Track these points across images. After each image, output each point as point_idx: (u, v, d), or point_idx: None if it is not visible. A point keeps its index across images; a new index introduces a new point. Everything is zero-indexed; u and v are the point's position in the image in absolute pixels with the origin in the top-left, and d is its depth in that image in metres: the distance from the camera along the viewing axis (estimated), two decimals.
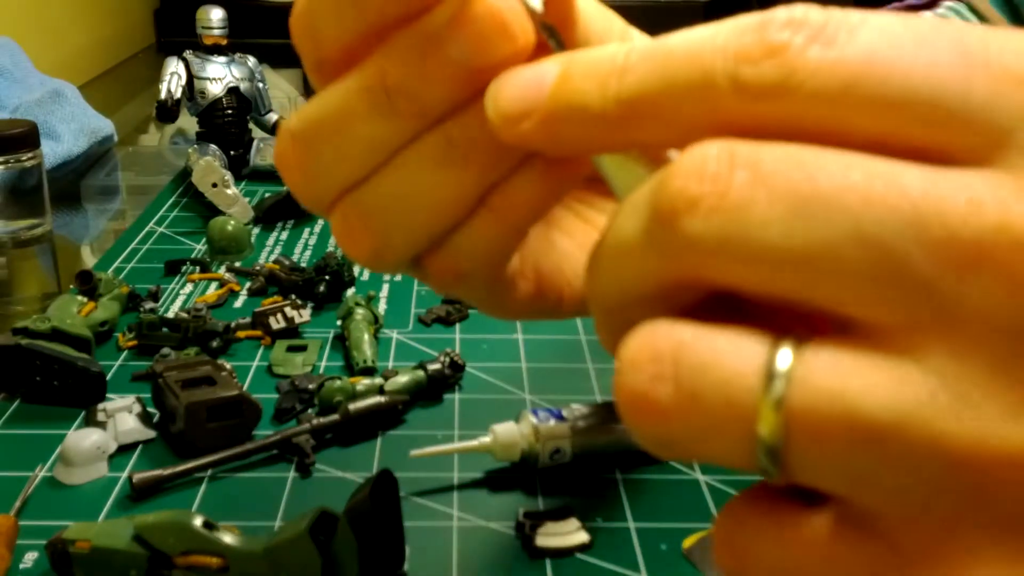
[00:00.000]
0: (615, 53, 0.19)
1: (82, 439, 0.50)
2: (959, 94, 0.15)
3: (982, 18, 0.69)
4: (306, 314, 0.66)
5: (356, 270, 0.76)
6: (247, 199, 0.88)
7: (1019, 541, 0.15)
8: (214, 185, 0.85)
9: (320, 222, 0.88)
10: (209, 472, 0.50)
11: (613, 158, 0.20)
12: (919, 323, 0.15)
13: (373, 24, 0.22)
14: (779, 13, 0.16)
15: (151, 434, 0.53)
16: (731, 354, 0.16)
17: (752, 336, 0.16)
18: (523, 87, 0.20)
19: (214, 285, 0.74)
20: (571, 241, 0.29)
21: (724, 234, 0.16)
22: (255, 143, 1.00)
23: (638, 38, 0.27)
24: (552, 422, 0.50)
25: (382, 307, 0.70)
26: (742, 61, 0.16)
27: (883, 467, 0.15)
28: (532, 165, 0.23)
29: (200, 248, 0.81)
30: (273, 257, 0.79)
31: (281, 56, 1.66)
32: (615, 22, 0.26)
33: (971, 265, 0.14)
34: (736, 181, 0.16)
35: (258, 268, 0.75)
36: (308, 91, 1.50)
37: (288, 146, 0.24)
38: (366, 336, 0.62)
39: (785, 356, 0.16)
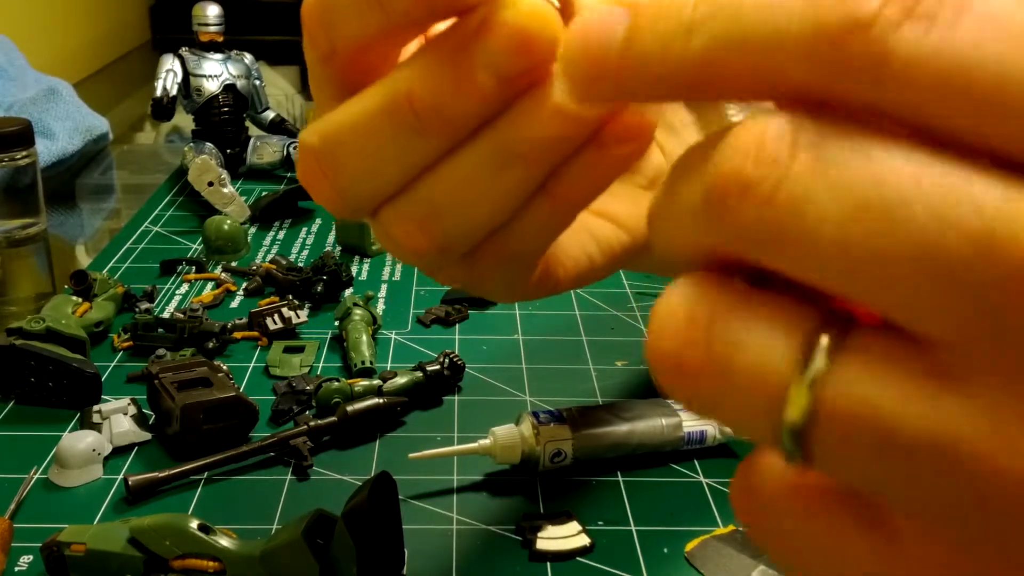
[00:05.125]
0: (682, 5, 0.17)
1: (77, 441, 0.50)
2: None
3: None
4: (303, 315, 0.65)
5: (354, 270, 0.75)
6: (243, 198, 0.87)
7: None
8: (210, 184, 0.84)
9: (318, 221, 0.88)
10: (205, 475, 0.50)
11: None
12: (971, 347, 0.14)
13: (396, 25, 0.22)
14: None
15: (146, 436, 0.53)
16: (767, 334, 0.15)
17: (792, 318, 0.15)
18: (592, 50, 0.18)
19: (210, 285, 0.73)
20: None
21: (775, 226, 0.15)
22: (252, 141, 1.00)
23: None
24: (553, 424, 0.49)
25: (380, 308, 0.70)
26: (820, 33, 0.14)
27: (907, 478, 0.14)
28: (591, 146, 0.22)
29: (196, 248, 0.81)
30: (270, 257, 0.78)
31: (278, 53, 1.65)
32: None
33: None
34: (795, 168, 0.15)
35: (255, 268, 0.74)
36: (305, 88, 1.50)
37: (313, 164, 0.23)
38: (364, 337, 0.62)
39: (824, 346, 0.15)
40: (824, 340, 0.15)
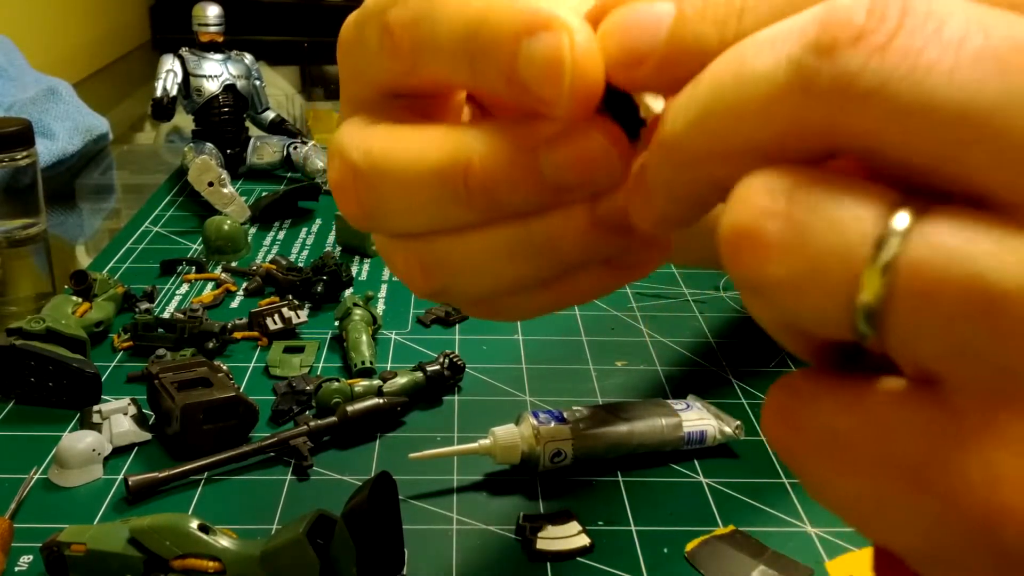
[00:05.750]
0: None
1: (77, 441, 0.50)
2: None
3: None
4: (303, 315, 0.65)
5: (354, 270, 0.75)
6: (244, 198, 0.87)
7: None
8: (210, 184, 0.84)
9: (318, 221, 0.88)
10: (205, 475, 0.50)
11: None
12: None
13: (478, 82, 0.22)
14: None
15: (146, 436, 0.53)
16: (850, 201, 0.15)
17: (873, 191, 0.15)
18: (639, 31, 0.19)
19: (210, 285, 0.73)
20: None
21: (889, 76, 0.14)
22: (252, 141, 1.00)
23: None
24: (553, 424, 0.49)
25: (380, 308, 0.70)
26: (808, 49, 0.15)
27: (993, 340, 0.14)
28: (603, 262, 0.23)
29: (196, 248, 0.80)
30: (270, 257, 0.78)
31: (278, 53, 1.65)
32: None
33: None
34: (909, 22, 0.14)
35: (255, 268, 0.74)
36: (305, 88, 1.50)
37: (349, 178, 0.23)
38: (364, 337, 0.62)
39: (906, 214, 0.15)
40: (906, 209, 0.15)
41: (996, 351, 0.14)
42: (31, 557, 0.44)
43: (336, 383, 0.55)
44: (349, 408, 0.53)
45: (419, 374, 0.57)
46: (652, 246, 0.24)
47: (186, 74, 0.98)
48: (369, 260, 0.79)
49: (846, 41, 0.15)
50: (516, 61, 0.20)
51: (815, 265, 0.15)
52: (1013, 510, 0.14)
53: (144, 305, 0.68)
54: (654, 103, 0.21)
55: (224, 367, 0.56)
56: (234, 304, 0.71)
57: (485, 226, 0.22)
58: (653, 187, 0.19)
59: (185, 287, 0.73)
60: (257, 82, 1.03)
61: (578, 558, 0.44)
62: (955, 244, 0.14)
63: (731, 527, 0.46)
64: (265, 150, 0.99)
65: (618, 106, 0.21)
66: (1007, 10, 0.14)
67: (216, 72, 0.99)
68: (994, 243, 0.14)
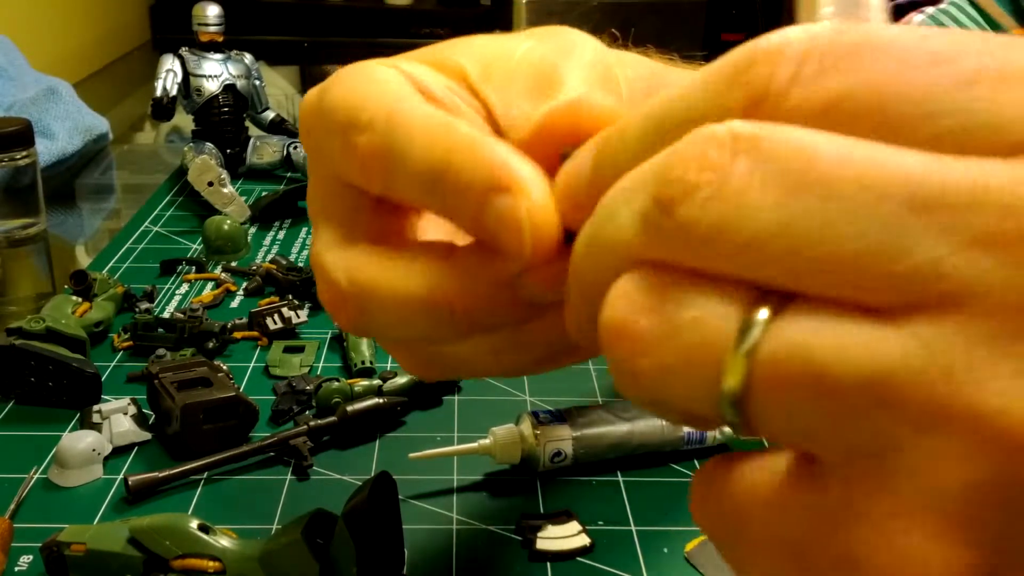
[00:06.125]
0: (620, 130, 0.20)
1: (77, 441, 0.50)
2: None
3: (984, 14, 0.68)
4: (303, 314, 0.65)
5: None
6: (243, 198, 0.87)
7: (945, 507, 0.14)
8: (210, 184, 0.84)
9: None
10: (205, 474, 0.50)
11: None
12: (909, 302, 0.15)
13: (447, 215, 0.24)
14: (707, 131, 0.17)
15: (146, 436, 0.53)
16: (715, 299, 0.16)
17: (735, 290, 0.16)
18: (571, 179, 0.22)
19: (210, 285, 0.73)
20: None
21: (719, 222, 0.16)
22: (252, 141, 1.00)
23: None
24: (552, 424, 0.49)
25: None
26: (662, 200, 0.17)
27: (829, 421, 0.15)
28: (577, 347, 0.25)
29: (196, 248, 0.80)
30: (270, 257, 0.78)
31: (278, 53, 1.65)
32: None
33: (981, 243, 0.14)
34: (736, 169, 0.16)
35: (255, 268, 0.74)
36: (305, 89, 1.50)
37: (339, 299, 0.25)
38: (364, 337, 0.62)
39: (764, 312, 0.16)
40: (765, 306, 0.16)
41: (836, 431, 0.15)
42: (31, 557, 0.44)
43: (336, 383, 0.55)
44: (349, 408, 0.53)
45: None
46: None
47: (186, 74, 0.98)
48: None
49: (679, 198, 0.16)
50: (482, 213, 0.22)
51: (683, 357, 0.17)
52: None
53: (144, 305, 0.68)
54: None
55: (224, 367, 0.56)
56: (234, 304, 0.71)
57: (466, 339, 0.25)
58: (569, 307, 0.21)
59: (185, 287, 0.73)
60: (257, 82, 1.03)
61: (578, 558, 0.44)
62: (797, 335, 0.15)
63: None
64: (265, 150, 0.99)
65: None
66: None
67: (216, 72, 0.99)
68: (835, 334, 0.15)
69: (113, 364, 0.61)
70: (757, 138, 0.16)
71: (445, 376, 0.27)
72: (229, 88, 0.99)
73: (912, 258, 0.14)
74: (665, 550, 0.45)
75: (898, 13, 0.77)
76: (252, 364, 0.62)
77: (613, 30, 0.35)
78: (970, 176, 0.14)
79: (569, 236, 0.22)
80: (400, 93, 0.25)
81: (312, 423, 0.52)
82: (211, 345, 0.62)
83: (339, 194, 0.26)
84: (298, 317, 0.65)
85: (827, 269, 0.15)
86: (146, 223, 0.86)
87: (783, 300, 0.16)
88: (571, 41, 0.29)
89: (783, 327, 0.16)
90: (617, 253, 0.18)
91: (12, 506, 0.47)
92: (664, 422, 0.51)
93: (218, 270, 0.76)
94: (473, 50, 0.28)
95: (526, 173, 0.22)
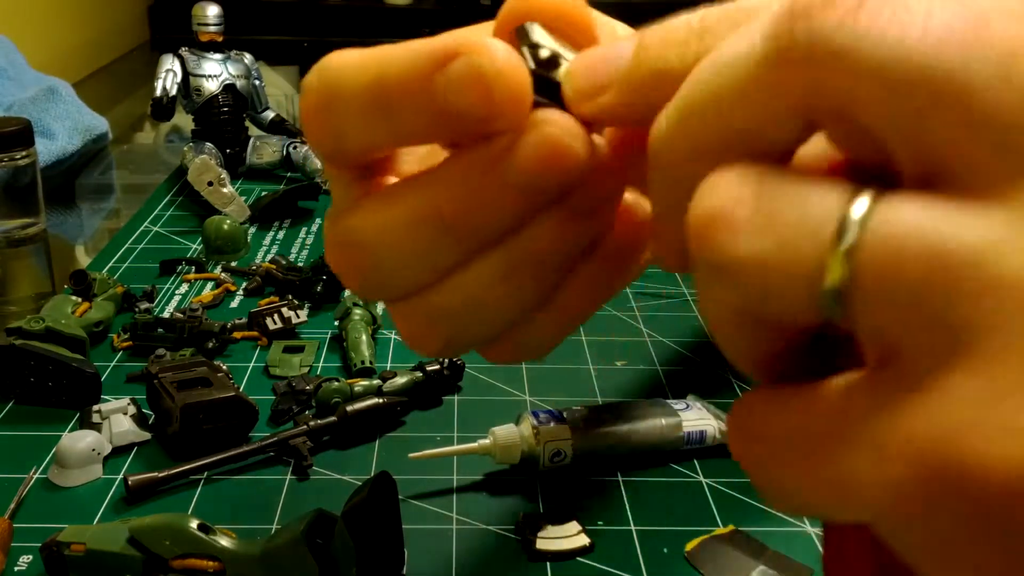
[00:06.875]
0: (690, 18, 0.19)
1: (77, 441, 0.50)
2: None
3: None
4: (303, 314, 0.65)
5: None
6: (243, 198, 0.87)
7: None
8: (210, 183, 0.84)
9: (318, 221, 0.88)
10: (205, 474, 0.50)
11: None
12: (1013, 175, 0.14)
13: (406, 136, 0.22)
14: None
15: (146, 436, 0.53)
16: (814, 188, 0.16)
17: (835, 178, 0.16)
18: (601, 62, 0.21)
19: (210, 285, 0.73)
20: None
21: (860, 37, 0.15)
22: (251, 141, 1.00)
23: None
24: (552, 424, 0.49)
25: (380, 307, 0.70)
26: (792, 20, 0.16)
27: (951, 300, 0.14)
28: (594, 261, 0.24)
29: (196, 247, 0.80)
30: (270, 257, 0.78)
31: (278, 53, 1.65)
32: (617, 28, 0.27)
33: None
34: None
35: (254, 268, 0.74)
36: None
37: (341, 257, 0.24)
38: (364, 337, 0.62)
39: (867, 197, 0.15)
40: (866, 193, 0.15)
41: (945, 311, 0.15)
42: (31, 557, 0.44)
43: (336, 383, 0.55)
44: (349, 408, 0.53)
45: (419, 374, 0.57)
46: (633, 233, 0.24)
47: (186, 74, 0.98)
48: None
49: (819, 5, 0.15)
50: (439, 94, 0.21)
51: (783, 244, 0.16)
52: (978, 456, 0.14)
53: (144, 305, 0.68)
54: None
55: (224, 367, 0.56)
56: (234, 304, 0.71)
57: (471, 261, 0.23)
58: (654, 206, 0.20)
59: (185, 287, 0.73)
60: (257, 82, 1.03)
61: (578, 558, 0.44)
62: (912, 218, 0.15)
63: (731, 527, 0.46)
64: (265, 150, 0.99)
65: (552, 95, 0.22)
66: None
67: (216, 72, 0.99)
68: (946, 214, 0.15)
69: (113, 364, 0.61)
70: None
71: (451, 335, 0.25)
72: (229, 88, 0.99)
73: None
74: (665, 550, 0.45)
75: None
76: (252, 364, 0.62)
77: None
78: None
79: (543, 89, 0.21)
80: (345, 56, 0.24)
81: (312, 423, 0.52)
82: (211, 345, 0.62)
83: (332, 176, 0.26)
84: (298, 317, 0.65)
85: (961, 121, 0.15)
86: (146, 223, 0.86)
87: (883, 189, 0.15)
88: None
89: (889, 210, 0.15)
90: (725, 108, 0.17)
91: (12, 506, 0.47)
92: (664, 422, 0.51)
93: (218, 270, 0.76)
94: None
95: (472, 36, 0.21)
